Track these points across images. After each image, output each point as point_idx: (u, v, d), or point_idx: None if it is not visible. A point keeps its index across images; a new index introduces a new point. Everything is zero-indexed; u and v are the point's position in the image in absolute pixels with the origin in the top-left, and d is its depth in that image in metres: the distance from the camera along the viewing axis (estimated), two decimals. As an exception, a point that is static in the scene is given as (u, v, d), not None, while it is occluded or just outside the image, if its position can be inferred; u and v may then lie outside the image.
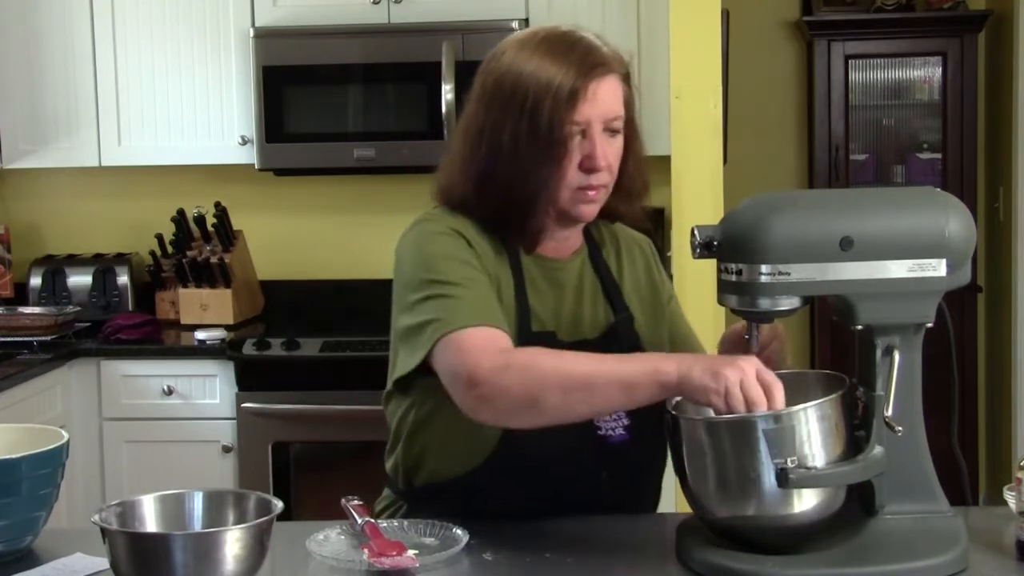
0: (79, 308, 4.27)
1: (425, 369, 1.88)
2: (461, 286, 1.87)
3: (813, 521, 1.69)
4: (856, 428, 1.73)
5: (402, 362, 1.93)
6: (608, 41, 1.95)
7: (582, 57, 1.89)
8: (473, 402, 1.77)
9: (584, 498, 1.94)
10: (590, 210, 1.95)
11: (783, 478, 1.63)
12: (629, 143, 1.96)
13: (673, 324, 2.10)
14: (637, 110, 1.98)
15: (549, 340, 1.92)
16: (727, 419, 1.68)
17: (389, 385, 2.03)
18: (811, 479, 1.64)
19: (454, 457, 1.93)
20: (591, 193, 1.92)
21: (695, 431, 1.71)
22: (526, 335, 1.91)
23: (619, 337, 1.98)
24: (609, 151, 1.91)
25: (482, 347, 1.78)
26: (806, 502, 1.67)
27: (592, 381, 1.71)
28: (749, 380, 1.63)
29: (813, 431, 1.66)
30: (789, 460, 1.63)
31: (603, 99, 1.89)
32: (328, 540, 1.85)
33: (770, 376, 1.65)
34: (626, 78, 1.95)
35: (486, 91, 1.94)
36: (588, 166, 1.89)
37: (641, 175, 2.01)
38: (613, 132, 1.92)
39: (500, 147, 1.90)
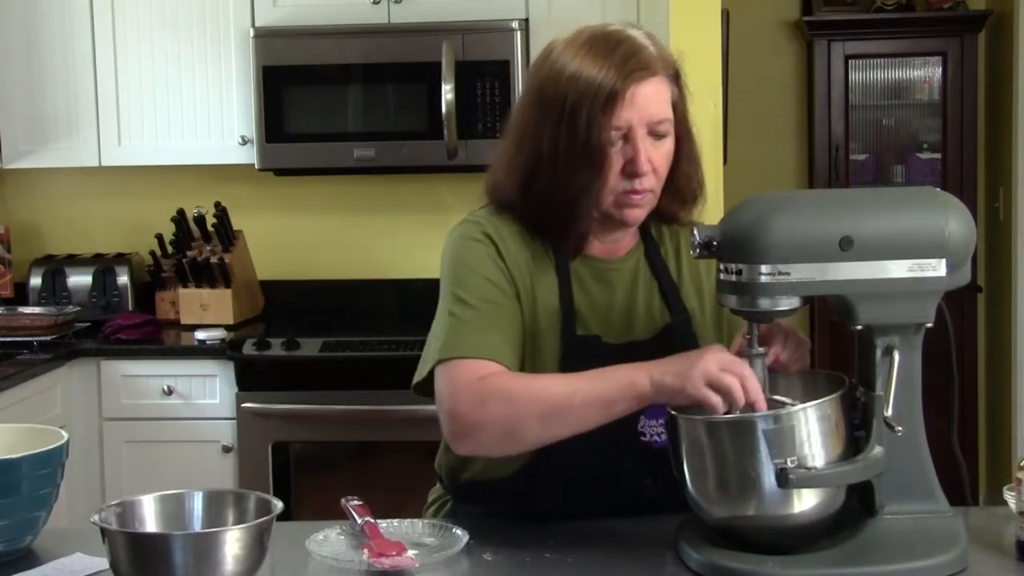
0: (79, 308, 4.26)
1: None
2: (472, 308, 1.87)
3: (813, 521, 1.69)
4: (856, 428, 1.73)
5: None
6: (657, 40, 1.92)
7: (623, 60, 1.85)
8: (451, 436, 1.83)
9: (626, 501, 1.94)
10: (636, 214, 1.92)
11: (783, 478, 1.63)
12: (681, 144, 1.93)
13: (732, 322, 2.03)
14: (689, 110, 1.95)
15: (594, 344, 1.91)
16: (727, 419, 1.68)
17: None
18: (811, 479, 1.64)
19: (495, 458, 1.93)
20: (636, 197, 1.89)
21: (695, 431, 1.71)
22: (570, 339, 1.91)
23: (675, 338, 1.94)
24: (654, 155, 1.88)
25: (465, 380, 1.80)
26: (806, 502, 1.67)
27: (568, 405, 1.73)
28: (714, 375, 1.67)
29: (813, 431, 1.66)
30: (789, 460, 1.63)
31: (644, 102, 1.85)
32: (328, 540, 1.85)
33: (741, 367, 1.68)
34: (675, 78, 1.91)
35: (531, 92, 1.93)
36: (631, 171, 1.87)
37: (696, 177, 1.98)
38: (659, 135, 1.89)
39: (541, 153, 1.88)
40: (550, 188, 1.89)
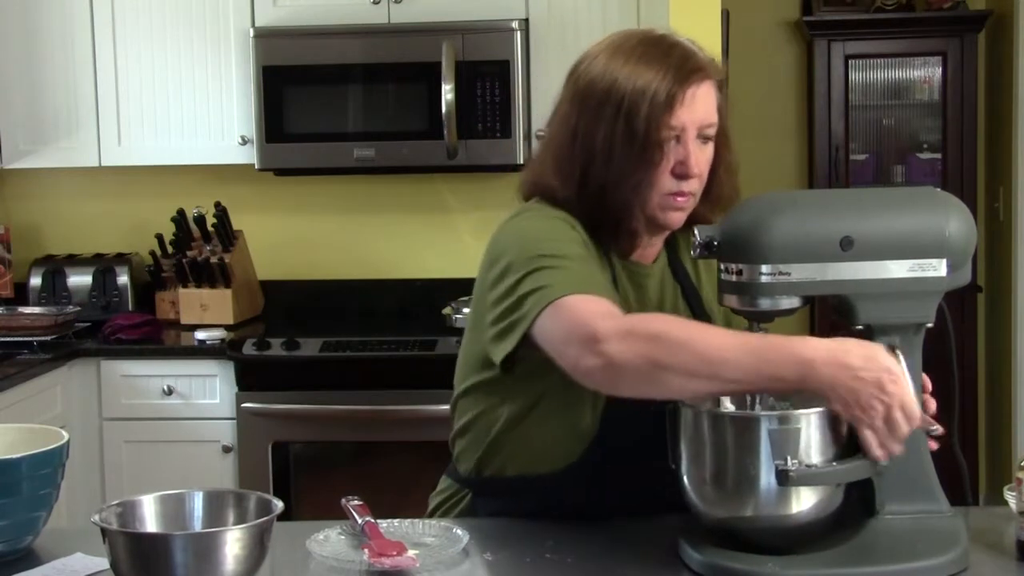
0: (79, 308, 4.26)
1: (513, 361, 1.83)
2: (571, 259, 1.82)
3: (810, 521, 1.69)
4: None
5: (498, 347, 1.84)
6: (702, 48, 1.93)
7: (681, 61, 1.87)
8: (588, 364, 1.67)
9: (659, 506, 1.88)
10: (678, 217, 1.92)
11: (783, 475, 1.62)
12: (720, 151, 1.94)
13: (736, 325, 2.00)
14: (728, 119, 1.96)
15: None
16: (732, 414, 1.67)
17: (468, 380, 1.99)
18: (811, 476, 1.64)
19: (540, 457, 1.91)
20: (680, 200, 1.90)
21: (697, 423, 1.70)
22: None
23: None
24: (701, 158, 1.90)
25: (598, 310, 1.71)
26: (804, 502, 1.67)
27: (724, 370, 1.62)
28: (882, 408, 1.60)
29: (814, 435, 1.65)
30: (790, 461, 1.63)
31: (699, 105, 1.87)
32: (328, 540, 1.85)
33: (914, 406, 1.62)
34: (720, 86, 1.93)
35: (578, 94, 1.91)
36: (680, 172, 1.88)
37: (731, 184, 1.99)
38: (705, 139, 1.90)
39: (594, 149, 1.88)
40: (603, 186, 1.88)
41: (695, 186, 1.91)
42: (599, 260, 1.92)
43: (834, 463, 1.66)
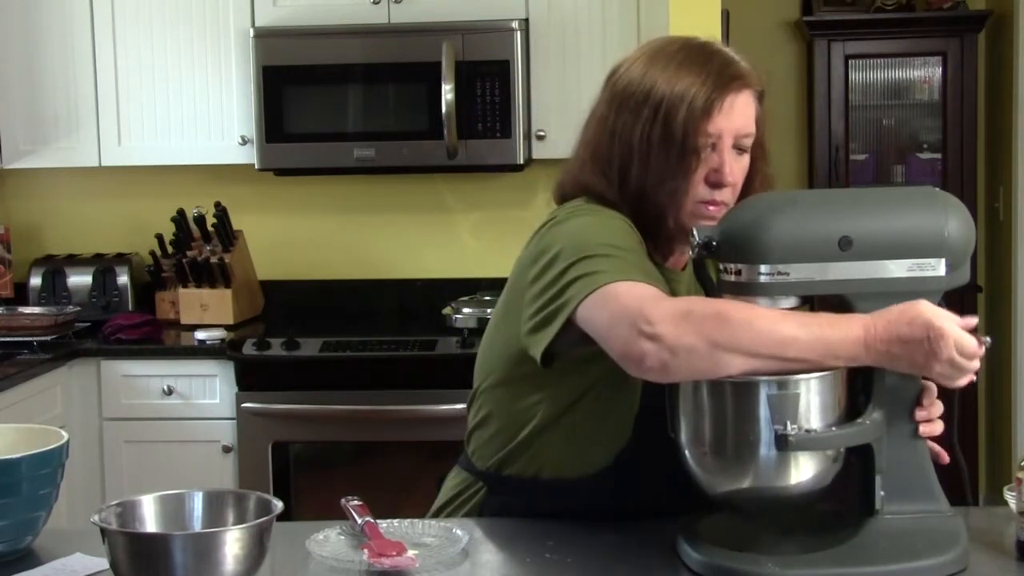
0: (79, 308, 4.27)
1: (552, 355, 1.80)
2: (625, 250, 1.80)
3: (810, 491, 1.69)
4: (858, 394, 1.72)
5: (537, 338, 1.80)
6: (745, 58, 1.92)
7: (721, 68, 1.86)
8: (641, 348, 1.62)
9: (681, 505, 1.85)
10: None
11: (783, 440, 1.62)
12: (756, 163, 1.93)
13: None
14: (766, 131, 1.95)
15: None
16: (731, 380, 1.67)
17: (495, 373, 1.96)
18: (811, 441, 1.64)
19: (572, 461, 1.90)
20: (712, 209, 1.88)
21: (696, 390, 1.70)
22: None
23: None
24: (736, 168, 1.88)
25: (647, 294, 1.69)
26: (804, 470, 1.67)
27: (783, 354, 1.62)
28: (957, 362, 1.64)
29: (814, 401, 1.65)
30: (790, 426, 1.62)
31: (738, 114, 1.87)
32: (328, 540, 1.85)
33: (975, 351, 1.65)
34: (760, 96, 1.92)
35: (616, 96, 1.91)
36: (714, 180, 1.87)
37: None
38: (741, 150, 1.89)
39: (632, 149, 1.87)
40: (642, 189, 1.87)
41: (728, 196, 1.89)
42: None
43: (834, 428, 1.66)
